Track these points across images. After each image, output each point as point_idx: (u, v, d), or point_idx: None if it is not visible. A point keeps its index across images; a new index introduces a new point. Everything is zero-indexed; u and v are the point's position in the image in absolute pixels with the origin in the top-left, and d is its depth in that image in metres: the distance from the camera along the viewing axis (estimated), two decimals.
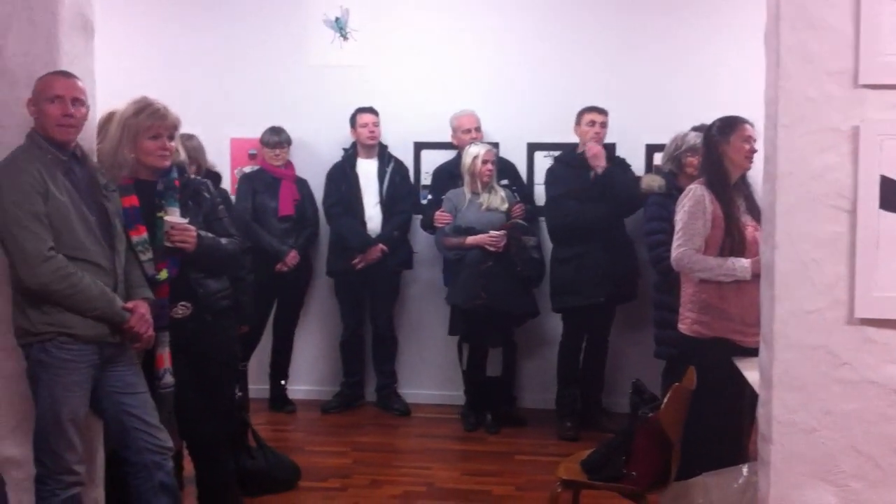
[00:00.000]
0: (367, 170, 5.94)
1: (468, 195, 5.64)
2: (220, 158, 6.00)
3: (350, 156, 5.98)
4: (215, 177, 4.71)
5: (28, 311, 3.20)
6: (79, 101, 3.27)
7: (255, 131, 5.98)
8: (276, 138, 5.90)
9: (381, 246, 5.85)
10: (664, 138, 5.16)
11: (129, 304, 3.33)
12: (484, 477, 4.92)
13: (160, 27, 6.28)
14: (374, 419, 5.97)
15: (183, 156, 3.89)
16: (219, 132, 6.02)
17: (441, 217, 5.68)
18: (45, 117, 3.21)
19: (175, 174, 3.71)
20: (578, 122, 5.57)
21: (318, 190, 6.05)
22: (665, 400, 3.54)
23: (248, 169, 6.10)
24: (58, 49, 3.44)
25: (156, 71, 6.02)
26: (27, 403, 3.36)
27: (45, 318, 3.19)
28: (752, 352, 3.57)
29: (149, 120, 3.57)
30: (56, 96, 3.21)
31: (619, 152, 5.75)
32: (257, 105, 6.15)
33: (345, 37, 6.19)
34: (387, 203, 5.92)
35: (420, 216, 6.01)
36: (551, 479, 3.89)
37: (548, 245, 5.76)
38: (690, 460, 3.58)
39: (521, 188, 5.91)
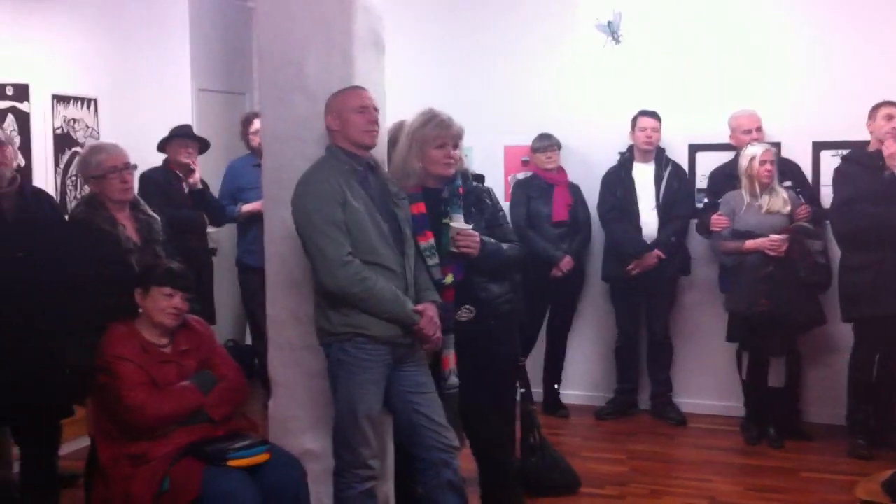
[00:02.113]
0: (643, 174, 5.84)
1: (746, 198, 5.41)
2: (494, 166, 6.18)
3: (626, 160, 5.91)
4: (477, 179, 4.75)
5: (328, 312, 3.40)
6: (377, 110, 3.50)
7: (528, 138, 6.04)
8: (546, 142, 5.96)
9: (657, 252, 5.75)
10: None
11: (419, 307, 3.45)
12: (770, 493, 4.69)
13: (437, 42, 6.47)
14: (649, 427, 5.86)
15: (466, 164, 3.99)
16: (493, 140, 6.21)
17: (718, 221, 5.48)
18: (352, 126, 3.42)
19: (459, 182, 3.84)
20: (872, 118, 5.19)
21: (589, 195, 6.02)
22: None
23: (521, 175, 6.19)
24: (352, 65, 3.66)
25: (434, 82, 6.23)
26: (327, 400, 3.57)
27: (343, 320, 3.37)
28: None
29: (435, 130, 3.72)
30: (363, 107, 3.44)
31: None
32: (530, 112, 6.21)
33: (617, 40, 6.14)
34: (664, 208, 5.80)
35: (696, 220, 5.84)
36: (846, 499, 3.69)
37: (835, 250, 5.42)
38: None
39: (805, 190, 5.61)
